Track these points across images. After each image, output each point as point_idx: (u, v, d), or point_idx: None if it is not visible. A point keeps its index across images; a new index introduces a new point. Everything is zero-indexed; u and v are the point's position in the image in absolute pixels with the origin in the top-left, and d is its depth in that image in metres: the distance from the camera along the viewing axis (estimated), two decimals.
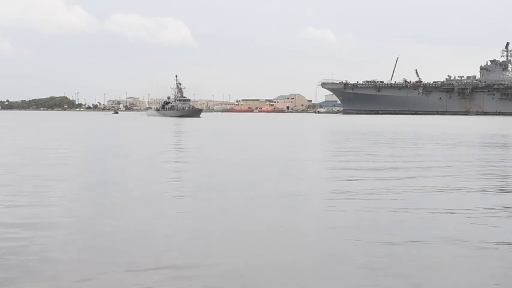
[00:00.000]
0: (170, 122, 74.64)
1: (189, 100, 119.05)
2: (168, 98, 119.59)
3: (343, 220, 9.36)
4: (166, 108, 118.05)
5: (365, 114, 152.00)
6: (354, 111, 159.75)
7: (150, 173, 16.06)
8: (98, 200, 11.31)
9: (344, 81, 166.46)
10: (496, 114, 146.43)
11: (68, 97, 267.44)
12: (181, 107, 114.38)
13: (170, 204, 10.97)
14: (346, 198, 11.53)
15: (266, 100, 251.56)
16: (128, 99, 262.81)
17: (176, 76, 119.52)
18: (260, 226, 8.95)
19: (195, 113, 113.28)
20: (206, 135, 42.32)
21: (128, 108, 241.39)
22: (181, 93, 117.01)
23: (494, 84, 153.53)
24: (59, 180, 14.10)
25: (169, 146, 28.82)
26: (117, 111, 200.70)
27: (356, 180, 14.54)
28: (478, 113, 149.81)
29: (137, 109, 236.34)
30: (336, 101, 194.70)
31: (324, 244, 7.91)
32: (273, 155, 23.28)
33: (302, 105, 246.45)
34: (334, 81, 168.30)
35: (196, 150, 25.81)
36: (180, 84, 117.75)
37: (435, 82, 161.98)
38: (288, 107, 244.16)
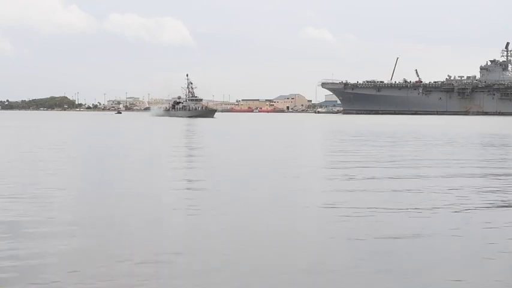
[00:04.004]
0: (185, 123, 73.49)
1: (201, 100, 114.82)
2: (179, 97, 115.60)
3: (342, 221, 9.41)
4: (177, 108, 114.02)
5: (365, 114, 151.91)
6: (354, 111, 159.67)
7: (153, 173, 16.12)
8: (104, 198, 11.37)
9: (344, 81, 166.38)
10: (496, 114, 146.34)
11: (68, 97, 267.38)
12: (193, 107, 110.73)
13: (172, 203, 11.03)
14: (346, 198, 11.58)
15: (266, 100, 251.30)
16: (128, 99, 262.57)
17: (187, 75, 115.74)
18: (259, 226, 9.01)
19: (208, 113, 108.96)
20: (220, 135, 42.39)
21: (128, 108, 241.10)
22: (193, 93, 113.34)
23: (494, 84, 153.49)
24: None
25: (187, 148, 28.84)
26: (120, 111, 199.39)
27: (356, 179, 14.60)
28: (478, 113, 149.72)
29: (137, 109, 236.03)
30: (336, 101, 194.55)
31: (322, 244, 7.96)
32: (273, 155, 23.33)
33: (302, 105, 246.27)
34: (334, 81, 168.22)
35: (210, 151, 25.83)
36: (191, 83, 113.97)
37: (435, 82, 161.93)
38: (288, 107, 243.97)
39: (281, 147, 28.94)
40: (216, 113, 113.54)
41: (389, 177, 15.16)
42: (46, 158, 20.50)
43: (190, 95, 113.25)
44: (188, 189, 13.19)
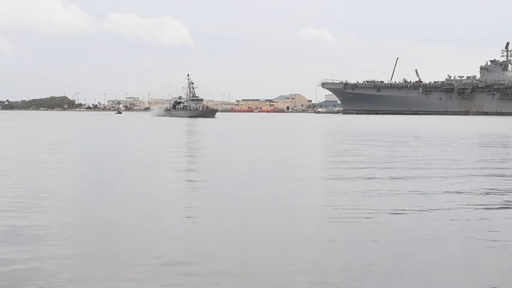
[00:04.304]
0: (186, 123, 73.17)
1: (202, 100, 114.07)
2: (180, 97, 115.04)
3: (343, 222, 9.41)
4: (177, 108, 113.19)
5: (365, 114, 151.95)
6: (354, 111, 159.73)
7: (154, 173, 16.11)
8: (102, 199, 11.36)
9: (344, 81, 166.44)
10: (496, 114, 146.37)
11: (68, 97, 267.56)
12: (194, 107, 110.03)
13: (172, 202, 11.03)
14: (346, 199, 11.58)
15: (266, 100, 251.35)
16: (128, 99, 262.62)
17: (188, 75, 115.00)
18: (259, 226, 9.00)
19: (209, 113, 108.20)
20: (223, 135, 42.39)
21: (127, 108, 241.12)
22: (194, 93, 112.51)
23: (494, 84, 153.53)
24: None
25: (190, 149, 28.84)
26: (121, 111, 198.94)
27: (356, 180, 14.59)
28: (478, 113, 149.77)
29: (137, 109, 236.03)
30: (336, 101, 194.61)
31: (322, 245, 7.96)
32: (274, 155, 23.33)
33: (302, 105, 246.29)
34: (334, 81, 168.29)
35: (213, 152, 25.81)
36: (192, 83, 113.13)
37: (435, 82, 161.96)
38: (288, 107, 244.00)
39: (281, 147, 28.93)
40: (216, 113, 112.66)
41: (390, 178, 15.15)
42: (46, 159, 20.48)
43: (191, 95, 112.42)
44: (189, 189, 13.19)
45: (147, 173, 16.37)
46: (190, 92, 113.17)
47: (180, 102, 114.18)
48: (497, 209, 10.70)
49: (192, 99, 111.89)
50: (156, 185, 13.78)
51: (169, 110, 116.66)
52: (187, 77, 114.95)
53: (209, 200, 11.41)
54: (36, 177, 14.88)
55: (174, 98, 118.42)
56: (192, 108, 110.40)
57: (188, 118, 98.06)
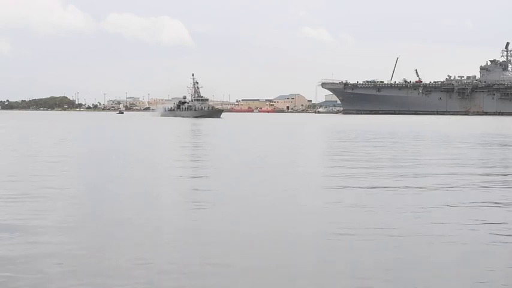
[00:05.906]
0: (192, 122, 72.54)
1: (207, 100, 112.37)
2: (184, 97, 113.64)
3: (344, 224, 9.40)
4: (182, 108, 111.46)
5: (365, 114, 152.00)
6: (354, 111, 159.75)
7: (156, 175, 16.12)
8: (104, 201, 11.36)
9: (344, 81, 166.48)
10: (496, 114, 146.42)
11: (68, 97, 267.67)
12: (199, 107, 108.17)
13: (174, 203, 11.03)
14: (351, 201, 11.57)
15: (266, 100, 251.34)
16: (128, 99, 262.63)
17: (193, 75, 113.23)
18: (259, 229, 9.00)
19: (215, 113, 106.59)
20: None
21: (128, 108, 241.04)
22: (199, 92, 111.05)
23: (494, 84, 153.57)
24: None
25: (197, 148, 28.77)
26: (122, 111, 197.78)
27: (363, 182, 14.59)
28: (478, 113, 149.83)
29: (137, 109, 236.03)
30: (336, 101, 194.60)
31: (323, 247, 7.95)
32: (280, 156, 23.34)
33: (302, 105, 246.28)
34: (334, 81, 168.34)
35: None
36: (197, 83, 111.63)
37: (435, 82, 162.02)
38: (288, 107, 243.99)
39: (286, 148, 28.89)
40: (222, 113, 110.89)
41: (392, 178, 15.15)
42: (50, 163, 20.48)
43: (196, 95, 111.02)
44: (193, 195, 13.18)
45: (150, 174, 16.35)
46: (195, 92, 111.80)
47: (185, 102, 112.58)
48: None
49: (197, 99, 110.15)
50: (159, 186, 13.75)
51: (174, 110, 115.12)
52: (192, 77, 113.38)
53: (212, 202, 11.37)
54: (37, 183, 14.88)
55: (174, 98, 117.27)
56: (197, 108, 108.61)
57: (194, 118, 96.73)
